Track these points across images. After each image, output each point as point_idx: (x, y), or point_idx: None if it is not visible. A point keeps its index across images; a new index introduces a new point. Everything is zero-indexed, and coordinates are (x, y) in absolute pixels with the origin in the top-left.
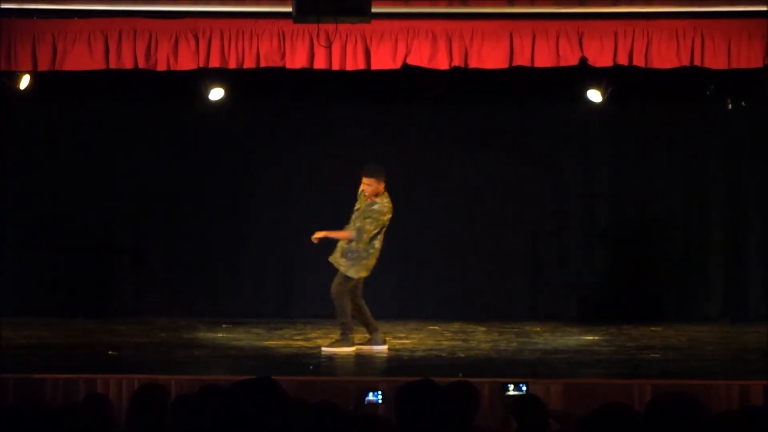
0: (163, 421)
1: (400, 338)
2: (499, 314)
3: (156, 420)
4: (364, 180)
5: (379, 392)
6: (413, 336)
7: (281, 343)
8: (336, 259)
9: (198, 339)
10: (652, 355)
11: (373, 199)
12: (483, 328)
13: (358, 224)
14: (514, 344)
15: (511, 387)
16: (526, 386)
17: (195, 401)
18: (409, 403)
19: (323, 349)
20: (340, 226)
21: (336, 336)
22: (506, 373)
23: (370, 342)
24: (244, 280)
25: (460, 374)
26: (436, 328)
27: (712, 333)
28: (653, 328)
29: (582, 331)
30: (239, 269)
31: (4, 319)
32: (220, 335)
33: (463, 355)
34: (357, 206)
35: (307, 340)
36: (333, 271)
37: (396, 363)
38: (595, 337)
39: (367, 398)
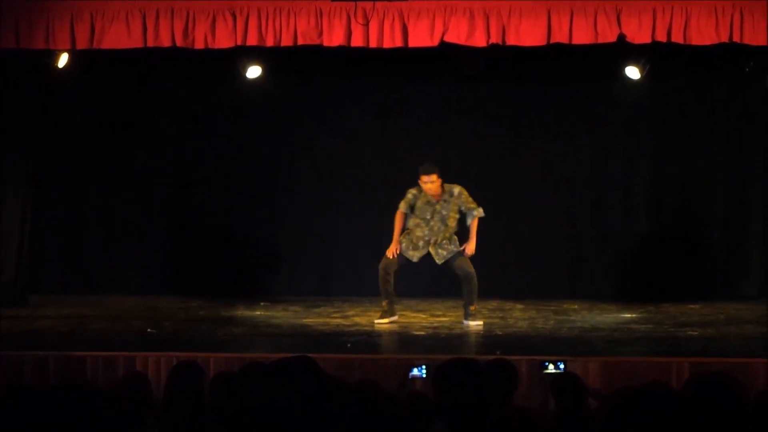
0: (200, 398)
1: (438, 316)
2: (536, 292)
3: (193, 397)
4: (431, 177)
5: (423, 367)
6: (450, 314)
7: (319, 321)
8: (445, 252)
9: (236, 317)
10: (690, 332)
11: (440, 192)
12: (521, 306)
13: (472, 206)
14: (552, 322)
15: (550, 365)
16: (564, 364)
17: (235, 380)
18: (448, 380)
19: (472, 323)
20: (377, 204)
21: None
22: (544, 351)
23: (391, 315)
24: (282, 259)
25: (498, 352)
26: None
27: (751, 311)
28: (691, 306)
29: (620, 308)
30: (278, 247)
31: (44, 297)
32: (259, 313)
33: (500, 333)
34: (428, 209)
35: (345, 318)
36: (371, 247)
37: (434, 341)
38: (633, 315)
39: (411, 374)
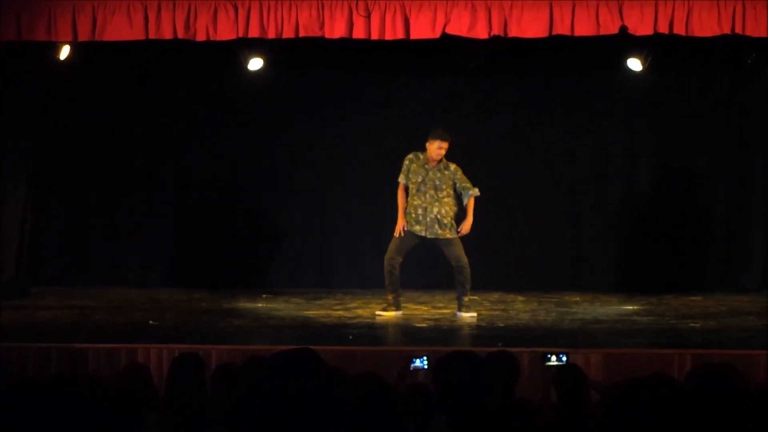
0: (202, 390)
1: (440, 308)
2: (538, 284)
3: (195, 389)
4: (444, 145)
5: (425, 357)
6: (452, 306)
7: (321, 313)
8: (447, 233)
9: (238, 309)
10: (692, 324)
11: (439, 162)
12: (522, 298)
13: (467, 185)
14: (554, 314)
15: (552, 357)
16: (566, 356)
17: (238, 373)
18: (449, 373)
19: (466, 315)
20: (378, 196)
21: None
22: (546, 343)
23: (396, 309)
24: (284, 250)
25: (500, 344)
26: (476, 297)
27: (752, 303)
28: (693, 298)
29: (622, 301)
30: (279, 239)
31: (46, 289)
32: (260, 305)
33: (502, 325)
34: (421, 172)
35: (346, 310)
36: (373, 239)
37: (435, 333)
38: (635, 307)
39: (412, 365)
